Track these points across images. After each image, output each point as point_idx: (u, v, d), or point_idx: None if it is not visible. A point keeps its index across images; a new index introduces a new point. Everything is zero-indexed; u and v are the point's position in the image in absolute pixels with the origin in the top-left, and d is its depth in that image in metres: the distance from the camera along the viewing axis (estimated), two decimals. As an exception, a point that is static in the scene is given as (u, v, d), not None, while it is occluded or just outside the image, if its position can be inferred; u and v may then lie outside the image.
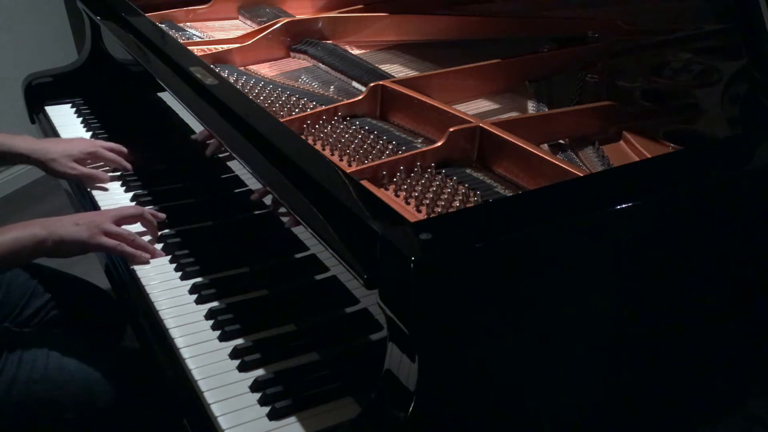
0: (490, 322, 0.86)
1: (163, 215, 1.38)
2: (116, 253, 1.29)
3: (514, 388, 0.91)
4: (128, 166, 1.60)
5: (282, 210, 1.17)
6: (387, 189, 1.14)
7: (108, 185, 1.56)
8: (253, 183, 1.25)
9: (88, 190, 1.56)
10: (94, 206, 1.50)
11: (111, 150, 1.60)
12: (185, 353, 1.09)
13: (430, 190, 1.12)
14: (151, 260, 1.30)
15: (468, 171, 1.18)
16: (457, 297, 0.82)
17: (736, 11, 1.11)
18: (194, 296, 1.21)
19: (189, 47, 1.56)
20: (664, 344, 1.02)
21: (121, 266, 1.32)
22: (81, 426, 1.28)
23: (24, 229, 1.22)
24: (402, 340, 0.83)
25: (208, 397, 1.01)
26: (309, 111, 1.34)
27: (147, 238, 1.35)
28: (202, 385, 1.03)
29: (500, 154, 1.17)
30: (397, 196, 1.12)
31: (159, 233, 1.36)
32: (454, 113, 1.25)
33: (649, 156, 1.18)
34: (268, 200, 1.21)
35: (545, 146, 1.25)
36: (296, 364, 1.07)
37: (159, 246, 1.33)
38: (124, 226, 1.32)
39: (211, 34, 1.83)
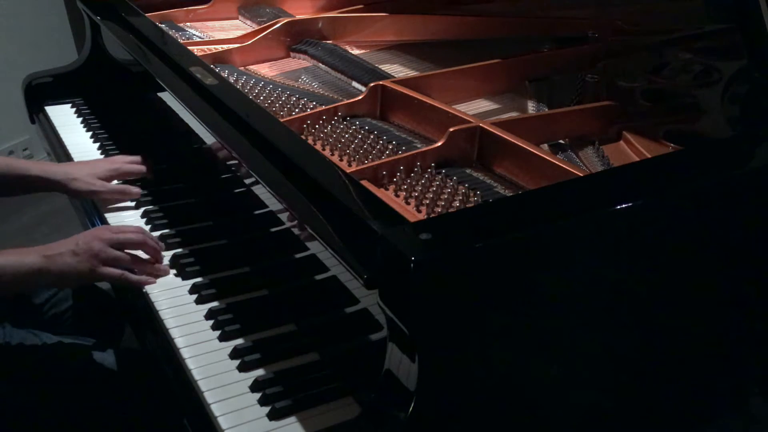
0: (490, 321, 0.86)
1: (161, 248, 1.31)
2: (121, 283, 1.23)
3: (514, 388, 0.91)
4: (148, 173, 1.53)
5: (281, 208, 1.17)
6: (387, 189, 1.14)
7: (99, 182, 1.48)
8: (253, 183, 1.25)
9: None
10: (95, 207, 1.50)
11: (131, 162, 1.52)
12: (185, 353, 1.09)
13: (430, 190, 1.12)
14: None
15: (468, 171, 1.18)
16: (457, 297, 0.82)
17: (736, 11, 1.11)
18: (194, 296, 1.20)
19: (189, 47, 1.56)
20: (664, 344, 1.02)
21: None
22: (80, 425, 1.28)
23: (24, 257, 1.16)
24: (402, 340, 0.83)
25: (208, 397, 1.01)
26: (309, 111, 1.34)
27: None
28: (202, 385, 1.03)
29: (500, 154, 1.17)
30: (397, 196, 1.12)
31: (159, 233, 1.36)
32: (454, 113, 1.25)
33: (649, 156, 1.18)
34: (268, 200, 1.21)
35: (545, 146, 1.25)
36: (296, 364, 1.07)
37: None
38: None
39: (211, 34, 1.83)
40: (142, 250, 1.25)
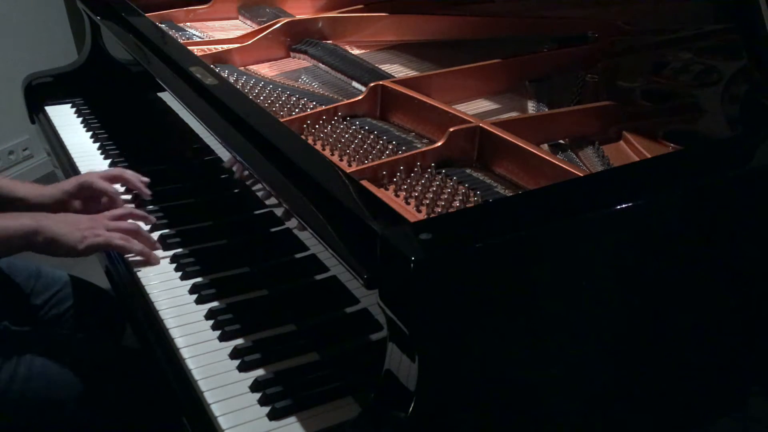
0: (490, 322, 0.86)
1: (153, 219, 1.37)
2: (109, 248, 1.26)
3: (514, 388, 0.91)
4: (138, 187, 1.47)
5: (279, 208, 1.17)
6: (387, 189, 1.14)
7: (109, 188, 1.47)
8: (253, 183, 1.25)
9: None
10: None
11: (104, 177, 1.46)
12: (185, 353, 1.09)
13: (430, 190, 1.12)
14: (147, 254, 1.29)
15: (468, 171, 1.18)
16: (457, 297, 0.82)
17: (736, 11, 1.11)
18: (194, 296, 1.21)
19: (189, 47, 1.56)
20: (664, 344, 1.02)
21: (121, 266, 1.32)
22: (80, 424, 1.28)
23: (16, 219, 1.19)
24: (402, 340, 0.83)
25: (208, 397, 1.01)
26: (309, 111, 1.34)
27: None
28: (202, 385, 1.03)
29: (500, 154, 1.18)
30: (397, 196, 1.12)
31: (159, 233, 1.36)
32: (454, 113, 1.25)
33: (649, 156, 1.18)
34: (267, 200, 1.21)
35: (545, 146, 1.25)
36: (296, 364, 1.07)
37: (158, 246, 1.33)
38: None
39: (211, 34, 1.83)
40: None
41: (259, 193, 1.22)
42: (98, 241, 1.24)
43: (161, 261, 1.30)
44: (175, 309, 1.18)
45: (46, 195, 1.41)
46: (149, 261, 1.29)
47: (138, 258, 1.29)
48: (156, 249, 1.31)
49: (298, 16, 1.81)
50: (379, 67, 1.56)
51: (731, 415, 1.16)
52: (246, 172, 1.24)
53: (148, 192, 1.46)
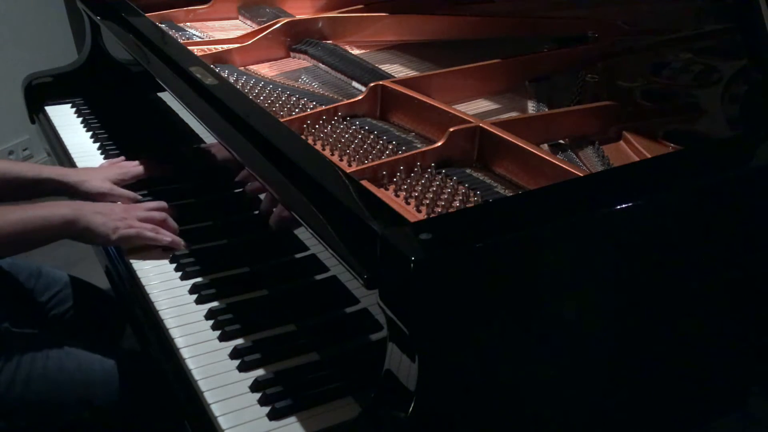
0: (490, 322, 0.86)
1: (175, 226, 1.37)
2: (140, 240, 1.29)
3: (515, 388, 0.91)
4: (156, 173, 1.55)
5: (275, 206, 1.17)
6: (387, 189, 1.14)
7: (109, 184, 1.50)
8: (253, 183, 1.25)
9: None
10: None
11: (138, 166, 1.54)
12: (185, 353, 1.09)
13: (430, 190, 1.12)
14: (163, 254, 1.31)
15: (468, 171, 1.18)
16: (457, 297, 0.82)
17: (736, 11, 1.11)
18: (194, 296, 1.20)
19: (189, 47, 1.56)
20: (665, 344, 1.02)
21: (121, 266, 1.32)
22: (80, 426, 1.28)
23: (56, 209, 1.23)
24: (402, 340, 0.83)
25: (208, 397, 1.01)
26: (309, 111, 1.34)
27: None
28: (202, 385, 1.03)
29: (500, 154, 1.18)
30: (397, 196, 1.12)
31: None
32: (454, 113, 1.25)
33: (649, 156, 1.18)
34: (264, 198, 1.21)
35: (545, 146, 1.25)
36: (296, 364, 1.07)
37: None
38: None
39: (211, 34, 1.83)
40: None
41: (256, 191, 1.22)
42: (130, 233, 1.28)
43: (161, 261, 1.30)
44: (175, 309, 1.18)
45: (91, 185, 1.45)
46: (177, 248, 1.32)
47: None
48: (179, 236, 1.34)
49: (298, 16, 1.81)
50: (379, 67, 1.56)
51: (731, 415, 1.16)
52: (245, 172, 1.24)
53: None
